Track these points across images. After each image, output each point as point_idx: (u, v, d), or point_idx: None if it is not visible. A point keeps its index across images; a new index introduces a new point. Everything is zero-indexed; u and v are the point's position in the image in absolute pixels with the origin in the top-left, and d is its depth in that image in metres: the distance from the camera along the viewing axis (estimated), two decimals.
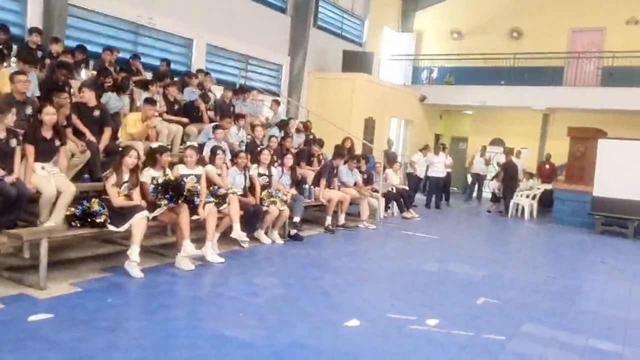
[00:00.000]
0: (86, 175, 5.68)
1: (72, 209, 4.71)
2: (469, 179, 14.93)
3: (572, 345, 4.17)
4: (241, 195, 6.51)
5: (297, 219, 7.28)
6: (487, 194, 14.98)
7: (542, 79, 14.34)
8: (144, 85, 7.82)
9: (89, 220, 4.67)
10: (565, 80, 14.80)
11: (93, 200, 4.80)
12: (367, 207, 9.10)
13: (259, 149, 7.55)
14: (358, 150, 11.56)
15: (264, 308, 4.40)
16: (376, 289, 5.40)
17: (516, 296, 5.48)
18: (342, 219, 8.66)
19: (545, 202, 12.24)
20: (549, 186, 12.56)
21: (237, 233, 6.14)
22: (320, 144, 9.51)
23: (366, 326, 4.19)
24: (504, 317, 4.75)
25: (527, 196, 12.32)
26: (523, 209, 12.08)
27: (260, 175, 6.99)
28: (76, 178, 5.54)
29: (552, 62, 14.64)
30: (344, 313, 4.44)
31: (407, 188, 11.02)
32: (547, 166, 13.84)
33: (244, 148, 7.80)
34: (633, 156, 10.13)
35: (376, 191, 9.83)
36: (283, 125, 9.89)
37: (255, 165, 7.04)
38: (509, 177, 12.11)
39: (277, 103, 10.82)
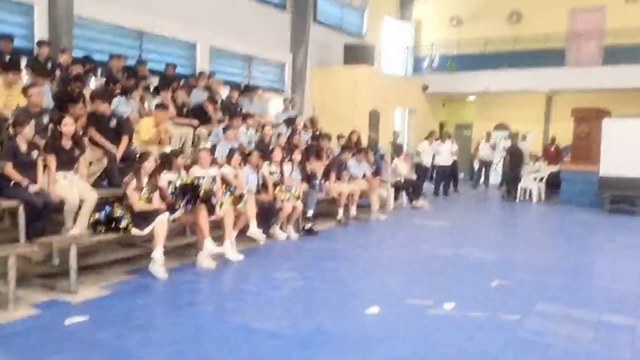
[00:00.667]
0: (104, 182, 5.86)
1: (96, 215, 4.90)
2: (475, 165, 15.03)
3: (585, 321, 4.31)
4: (255, 193, 6.69)
5: (310, 213, 7.45)
6: (494, 179, 15.12)
7: (544, 61, 14.39)
8: (155, 90, 7.99)
9: (113, 225, 4.86)
10: (567, 61, 14.84)
11: (116, 205, 4.98)
12: (377, 199, 9.25)
13: (270, 147, 7.70)
14: (364, 143, 11.74)
15: (287, 300, 4.58)
16: (392, 276, 5.56)
17: (529, 277, 5.63)
18: (353, 211, 8.81)
19: (553, 184, 12.35)
20: (555, 168, 12.67)
21: (254, 231, 6.33)
22: (329, 138, 9.65)
23: (386, 312, 4.35)
24: (518, 297, 4.90)
25: (535, 179, 12.43)
26: (531, 192, 12.19)
27: (272, 173, 7.15)
28: (95, 185, 5.72)
29: (553, 44, 14.68)
30: (363, 300, 4.60)
31: (415, 178, 11.16)
32: (553, 148, 13.95)
33: (252, 147, 7.96)
34: (638, 134, 10.21)
35: (385, 182, 9.97)
36: (290, 122, 10.04)
37: (267, 163, 7.21)
38: (514, 161, 12.21)
39: (288, 101, 11.11)
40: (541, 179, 12.36)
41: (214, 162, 6.32)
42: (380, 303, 4.53)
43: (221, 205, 5.79)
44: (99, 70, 8.47)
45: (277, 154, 7.24)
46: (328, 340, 3.69)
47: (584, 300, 4.85)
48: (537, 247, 7.39)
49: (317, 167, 8.86)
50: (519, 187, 12.16)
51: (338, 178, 8.58)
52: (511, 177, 12.26)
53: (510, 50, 15.14)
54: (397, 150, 11.59)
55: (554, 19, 15.21)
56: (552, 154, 13.84)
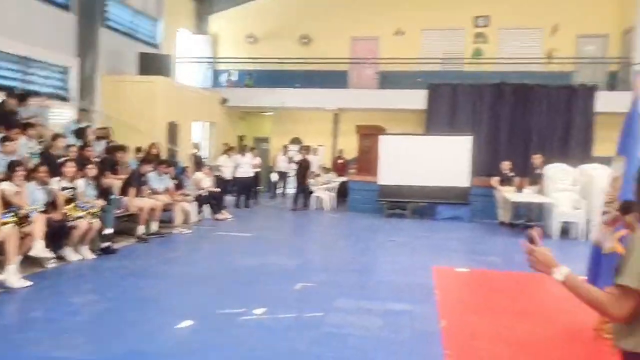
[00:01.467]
0: None
1: None
2: (273, 177, 15.77)
3: (375, 310, 4.95)
4: (43, 211, 6.00)
5: (108, 231, 6.97)
6: (292, 190, 16.07)
7: (331, 82, 15.87)
8: None
9: None
10: (350, 83, 16.62)
11: None
12: (180, 213, 9.09)
13: (59, 160, 6.99)
14: (163, 156, 11.40)
15: (90, 324, 4.25)
16: (201, 289, 5.56)
17: (327, 277, 6.19)
18: (154, 227, 8.50)
19: (342, 193, 13.69)
20: (343, 179, 14.07)
21: (39, 250, 5.62)
22: (125, 150, 9.14)
23: (199, 324, 4.36)
24: (320, 296, 5.37)
25: (326, 189, 13.60)
26: (323, 201, 13.29)
27: (64, 189, 6.50)
28: None
29: (338, 67, 16.29)
30: (174, 316, 4.53)
31: (218, 190, 11.25)
32: (340, 161, 15.45)
33: (35, 160, 7.11)
34: (407, 148, 11.95)
35: (187, 195, 9.85)
36: (80, 133, 9.22)
37: (57, 179, 6.53)
38: (302, 173, 13.12)
39: (77, 110, 10.10)
40: (332, 189, 13.57)
41: None
42: (191, 316, 4.52)
43: (1, 225, 5.08)
44: None
45: (69, 168, 6.62)
46: (142, 359, 3.56)
47: (372, 294, 5.55)
48: (332, 251, 8.13)
49: (113, 181, 8.33)
50: (311, 197, 13.13)
51: (138, 193, 8.19)
52: (300, 188, 13.10)
53: (303, 70, 16.32)
54: (198, 163, 11.53)
55: (339, 44, 16.90)
56: (339, 166, 15.33)
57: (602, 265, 4.38)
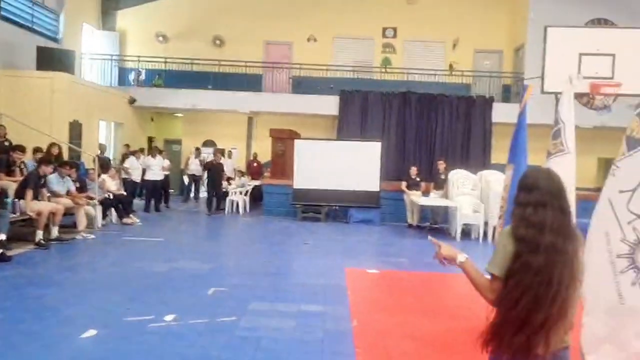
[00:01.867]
0: None
1: None
2: (186, 180, 15.37)
3: (288, 312, 5.01)
4: None
5: (1, 237, 6.44)
6: (204, 193, 15.74)
7: (245, 85, 15.79)
8: None
9: None
10: (264, 87, 16.61)
11: None
12: (83, 217, 8.60)
13: None
14: (66, 156, 10.74)
15: None
16: (108, 297, 5.31)
17: (241, 281, 6.16)
18: (55, 232, 7.98)
19: (257, 196, 13.64)
20: (258, 182, 14.02)
21: None
22: (22, 150, 8.48)
23: (104, 333, 4.16)
24: (234, 300, 5.33)
25: (240, 193, 13.49)
26: (238, 204, 13.18)
27: None
28: None
29: (252, 70, 16.24)
30: (77, 326, 4.29)
31: (124, 193, 10.78)
32: (255, 164, 15.39)
33: None
34: (321, 153, 12.18)
35: (92, 199, 9.34)
36: None
37: None
38: (212, 176, 12.89)
39: None
40: (246, 193, 13.48)
41: None
42: (96, 326, 4.31)
43: None
44: None
45: None
46: None
47: (286, 296, 5.60)
48: (246, 254, 8.08)
49: (8, 183, 7.73)
50: (226, 200, 12.95)
51: (36, 196, 7.64)
52: (212, 192, 12.84)
53: (215, 72, 16.08)
54: (103, 165, 10.97)
55: (252, 48, 16.85)
56: (254, 169, 15.26)
57: None
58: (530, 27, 14.08)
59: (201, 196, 15.39)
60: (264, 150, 15.05)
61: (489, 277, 2.02)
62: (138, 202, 12.73)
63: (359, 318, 4.94)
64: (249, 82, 16.02)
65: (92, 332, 4.14)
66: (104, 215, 9.92)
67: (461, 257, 2.08)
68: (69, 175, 8.73)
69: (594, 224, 2.78)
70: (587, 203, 4.20)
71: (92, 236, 8.54)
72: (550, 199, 1.94)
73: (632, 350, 2.51)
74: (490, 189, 10.13)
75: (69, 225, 8.66)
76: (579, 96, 9.64)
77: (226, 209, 12.88)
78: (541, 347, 1.87)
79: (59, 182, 8.42)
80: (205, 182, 15.10)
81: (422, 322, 4.88)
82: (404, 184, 11.61)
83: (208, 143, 16.98)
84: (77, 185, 8.99)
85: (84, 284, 5.78)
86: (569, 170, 4.59)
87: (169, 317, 4.64)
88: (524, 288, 1.87)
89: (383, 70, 16.36)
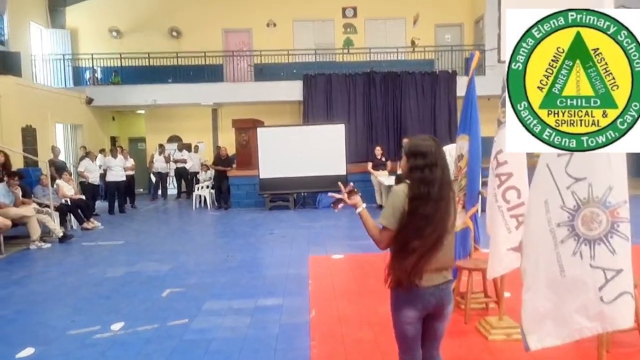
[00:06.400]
0: None
1: None
2: (153, 178, 14.98)
3: (245, 309, 4.81)
4: None
5: None
6: (172, 190, 15.39)
7: (206, 76, 15.37)
8: None
9: None
10: (226, 77, 16.20)
11: None
12: (36, 225, 8.23)
13: None
14: (19, 164, 10.34)
15: None
16: (53, 309, 5.04)
17: (199, 280, 5.93)
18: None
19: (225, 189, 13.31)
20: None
21: None
22: None
23: (42, 351, 3.91)
24: (188, 301, 5.11)
25: (208, 187, 13.18)
26: (205, 199, 12.89)
27: None
28: None
29: (212, 61, 15.81)
30: (13, 344, 4.03)
31: (83, 197, 10.40)
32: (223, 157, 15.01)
33: None
34: (285, 140, 11.93)
35: (47, 206, 8.97)
36: None
37: None
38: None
39: None
40: (213, 186, 13.17)
41: None
42: (35, 343, 4.06)
43: None
44: None
45: None
46: None
47: (244, 291, 5.40)
48: (210, 250, 7.84)
49: None
50: (192, 195, 12.65)
51: None
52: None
53: (174, 65, 15.62)
54: (58, 169, 10.56)
55: (211, 37, 16.41)
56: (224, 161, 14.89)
57: (456, 240, 4.61)
58: None
59: (169, 193, 15.05)
60: (230, 142, 14.71)
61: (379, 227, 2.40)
62: (102, 205, 12.36)
63: (317, 308, 4.77)
64: (210, 73, 15.62)
65: (29, 351, 3.89)
66: (62, 222, 9.55)
67: (360, 208, 2.50)
68: (17, 185, 8.35)
69: (532, 193, 2.62)
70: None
71: (48, 245, 8.21)
72: (438, 160, 2.34)
73: (574, 327, 2.36)
74: (453, 163, 10.01)
75: (23, 235, 8.30)
76: None
77: (193, 204, 12.59)
78: (420, 278, 2.32)
79: (5, 193, 8.03)
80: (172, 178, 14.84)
81: (381, 308, 4.68)
82: (369, 165, 11.45)
83: (173, 139, 16.58)
84: (20, 193, 8.60)
85: (31, 297, 5.48)
86: None
87: (116, 326, 4.40)
88: (413, 229, 2.30)
89: (345, 51, 16.08)
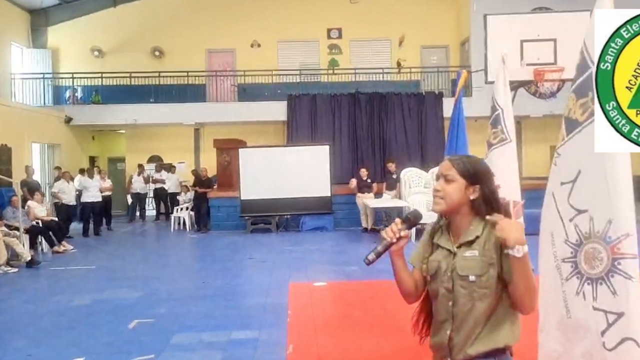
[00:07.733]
0: None
1: None
2: (130, 199, 14.54)
3: (217, 343, 4.45)
4: None
5: None
6: (150, 212, 14.95)
7: (188, 96, 15.10)
8: None
9: None
10: (209, 97, 15.95)
11: None
12: (3, 249, 7.80)
13: None
14: None
15: None
16: (11, 340, 4.64)
17: (170, 309, 5.55)
18: None
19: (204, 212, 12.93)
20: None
21: None
22: None
23: None
24: (156, 333, 4.73)
25: (187, 208, 12.80)
26: (184, 220, 12.49)
27: None
28: None
29: (195, 80, 15.56)
30: None
31: (56, 219, 9.97)
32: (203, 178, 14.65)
33: None
34: (268, 161, 11.64)
35: (17, 229, 8.55)
36: None
37: None
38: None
39: None
40: (193, 208, 12.79)
41: None
42: None
43: None
44: None
45: None
46: None
47: (218, 323, 5.04)
48: (184, 276, 7.46)
49: None
50: (171, 217, 12.26)
51: None
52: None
53: (156, 84, 15.34)
54: (31, 189, 10.14)
55: (194, 57, 16.18)
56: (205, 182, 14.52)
57: None
58: (474, 19, 13.93)
59: (147, 215, 14.61)
60: (212, 163, 14.35)
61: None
62: (78, 227, 11.90)
63: (296, 342, 4.42)
64: (193, 93, 15.35)
65: None
66: (33, 245, 9.11)
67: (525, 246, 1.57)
68: None
69: (542, 223, 2.38)
70: (539, 192, 3.86)
71: (14, 270, 7.76)
72: None
73: None
74: None
75: None
76: (526, 85, 9.41)
77: (172, 226, 12.19)
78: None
79: None
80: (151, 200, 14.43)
81: (365, 341, 4.40)
82: (353, 182, 11.15)
83: (154, 159, 16.20)
84: None
85: None
86: (512, 160, 4.24)
87: None
88: None
89: (330, 71, 15.96)
